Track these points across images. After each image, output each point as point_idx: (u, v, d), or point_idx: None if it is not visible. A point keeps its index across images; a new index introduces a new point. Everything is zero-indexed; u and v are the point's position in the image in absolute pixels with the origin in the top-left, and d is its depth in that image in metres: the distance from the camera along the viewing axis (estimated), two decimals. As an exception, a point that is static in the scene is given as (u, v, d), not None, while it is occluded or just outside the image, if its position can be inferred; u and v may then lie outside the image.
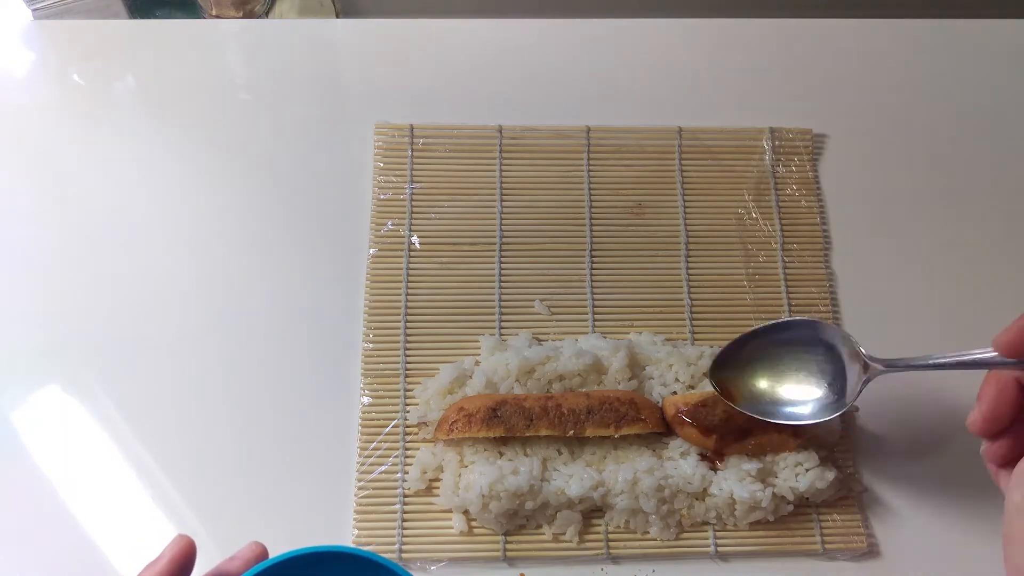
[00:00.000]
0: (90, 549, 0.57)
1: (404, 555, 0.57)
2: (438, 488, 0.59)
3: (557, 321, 0.64)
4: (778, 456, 0.58)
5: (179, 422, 0.60)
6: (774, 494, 0.57)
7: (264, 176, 0.68)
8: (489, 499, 0.56)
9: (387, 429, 0.60)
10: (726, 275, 0.66)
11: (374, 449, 0.60)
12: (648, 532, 0.58)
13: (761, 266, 0.67)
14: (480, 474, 0.56)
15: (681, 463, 0.58)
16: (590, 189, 0.68)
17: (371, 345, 0.63)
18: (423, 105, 0.71)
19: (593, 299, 0.65)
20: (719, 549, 0.58)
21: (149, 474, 0.59)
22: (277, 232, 0.67)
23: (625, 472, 0.57)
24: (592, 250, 0.67)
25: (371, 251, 0.66)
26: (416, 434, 0.60)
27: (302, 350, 0.63)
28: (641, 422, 0.57)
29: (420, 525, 0.58)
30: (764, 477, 0.58)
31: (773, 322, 0.57)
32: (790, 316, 0.65)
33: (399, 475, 0.59)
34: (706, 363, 0.61)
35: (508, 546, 0.58)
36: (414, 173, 0.68)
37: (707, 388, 0.59)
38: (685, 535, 0.58)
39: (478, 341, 0.63)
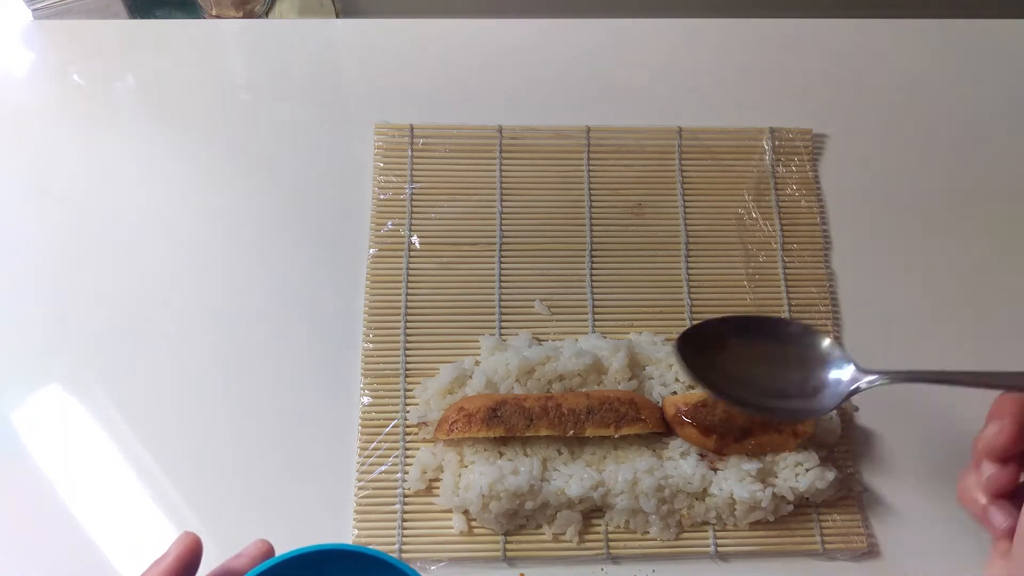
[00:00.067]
0: (90, 549, 0.57)
1: (404, 555, 0.57)
2: (438, 488, 0.59)
3: (557, 321, 0.64)
4: (778, 456, 0.58)
5: (179, 422, 0.60)
6: (774, 494, 0.57)
7: (264, 176, 0.68)
8: (489, 499, 0.56)
9: (387, 429, 0.61)
10: (726, 275, 0.66)
11: (374, 449, 0.60)
12: (648, 532, 0.58)
13: (761, 266, 0.67)
14: (480, 474, 0.56)
15: (681, 463, 0.58)
16: (590, 189, 0.68)
17: (371, 345, 0.63)
18: (423, 105, 0.71)
19: (593, 299, 0.65)
20: (719, 549, 0.58)
21: (149, 474, 0.59)
22: (277, 232, 0.67)
23: (625, 472, 0.57)
24: (592, 250, 0.67)
25: (371, 251, 0.66)
26: (416, 434, 0.60)
27: (302, 350, 0.63)
28: (641, 422, 0.57)
29: (420, 525, 0.58)
30: (764, 477, 0.58)
31: (764, 316, 0.55)
32: (786, 316, 0.65)
33: (399, 475, 0.59)
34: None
35: (508, 546, 0.58)
36: (414, 173, 0.68)
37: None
38: (685, 535, 0.58)
39: (478, 341, 0.63)
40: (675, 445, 0.58)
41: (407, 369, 0.62)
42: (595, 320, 0.64)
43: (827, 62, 0.75)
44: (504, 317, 0.64)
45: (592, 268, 0.66)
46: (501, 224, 0.67)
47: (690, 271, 0.66)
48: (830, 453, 0.60)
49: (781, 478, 0.58)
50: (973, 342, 0.65)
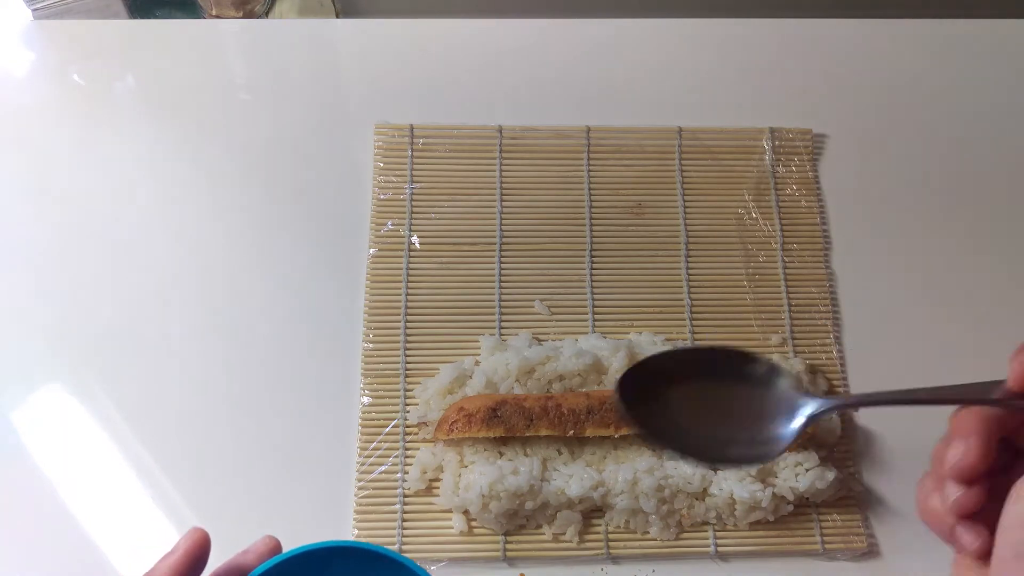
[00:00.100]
0: (90, 549, 0.57)
1: (404, 555, 0.57)
2: (438, 488, 0.59)
3: (557, 321, 0.64)
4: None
5: (179, 422, 0.60)
6: (774, 494, 0.57)
7: (264, 176, 0.68)
8: (489, 499, 0.56)
9: (387, 429, 0.60)
10: (726, 275, 0.66)
11: (374, 449, 0.60)
12: (648, 532, 0.58)
13: (761, 266, 0.67)
14: (480, 474, 0.56)
15: (681, 463, 0.58)
16: (590, 189, 0.68)
17: (371, 345, 0.63)
18: (423, 105, 0.71)
19: (593, 299, 0.65)
20: (719, 549, 0.58)
21: (149, 474, 0.59)
22: (277, 232, 0.67)
23: (625, 472, 0.57)
24: (592, 250, 0.67)
25: (371, 251, 0.66)
26: (416, 434, 0.60)
27: (302, 350, 0.63)
28: (641, 422, 0.57)
29: (420, 525, 0.58)
30: (764, 477, 0.58)
31: (697, 346, 0.45)
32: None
33: (399, 475, 0.59)
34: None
35: (508, 546, 0.58)
36: (414, 173, 0.68)
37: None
38: (685, 535, 0.58)
39: (478, 341, 0.63)
40: (675, 445, 0.58)
41: (407, 369, 0.62)
42: (595, 320, 0.64)
43: (827, 62, 0.75)
44: (504, 317, 0.64)
45: (592, 268, 0.66)
46: (501, 224, 0.67)
47: (690, 271, 0.66)
48: (830, 453, 0.60)
49: (781, 478, 0.58)
50: (973, 342, 0.65)
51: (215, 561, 0.41)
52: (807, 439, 0.58)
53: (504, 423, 0.56)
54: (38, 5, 0.74)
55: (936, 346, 0.65)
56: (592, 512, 0.58)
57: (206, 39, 0.74)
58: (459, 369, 0.61)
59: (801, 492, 0.58)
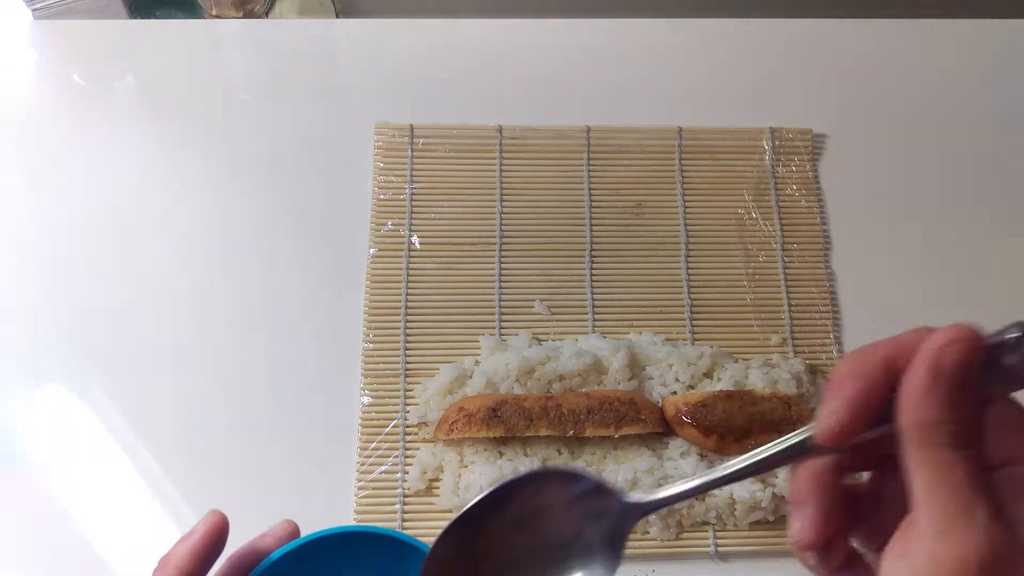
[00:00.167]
0: (90, 549, 0.57)
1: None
2: (438, 488, 0.59)
3: (557, 321, 0.64)
4: (778, 456, 0.58)
5: (179, 422, 0.60)
6: (774, 494, 0.57)
7: (264, 176, 0.68)
8: (489, 499, 0.56)
9: (387, 429, 0.60)
10: (726, 275, 0.66)
11: (374, 449, 0.60)
12: (648, 532, 0.58)
13: (761, 266, 0.67)
14: (480, 474, 0.56)
15: (681, 463, 0.58)
16: (590, 189, 0.68)
17: (371, 345, 0.63)
18: (423, 105, 0.71)
19: (593, 299, 0.65)
20: (719, 549, 0.58)
21: (149, 474, 0.59)
22: (277, 232, 0.67)
23: (625, 472, 0.57)
24: (592, 250, 0.67)
25: (371, 251, 0.66)
26: (416, 434, 0.60)
27: (302, 350, 0.63)
28: (641, 422, 0.57)
29: (420, 525, 0.58)
30: (764, 477, 0.58)
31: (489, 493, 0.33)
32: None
33: (399, 475, 0.59)
34: (706, 363, 0.61)
35: (508, 546, 0.58)
36: (414, 173, 0.68)
37: (707, 388, 0.59)
38: (685, 535, 0.58)
39: (478, 341, 0.63)
40: (675, 445, 0.58)
41: (407, 369, 0.62)
42: (595, 320, 0.64)
43: (827, 62, 0.75)
44: (504, 317, 0.64)
45: (592, 268, 0.66)
46: (501, 224, 0.67)
47: (690, 271, 0.66)
48: (830, 453, 0.60)
49: (781, 478, 0.58)
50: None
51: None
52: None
53: (504, 423, 0.56)
54: (38, 5, 0.74)
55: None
56: (592, 512, 0.58)
57: (206, 39, 0.74)
58: (459, 369, 0.61)
59: (801, 492, 0.57)
